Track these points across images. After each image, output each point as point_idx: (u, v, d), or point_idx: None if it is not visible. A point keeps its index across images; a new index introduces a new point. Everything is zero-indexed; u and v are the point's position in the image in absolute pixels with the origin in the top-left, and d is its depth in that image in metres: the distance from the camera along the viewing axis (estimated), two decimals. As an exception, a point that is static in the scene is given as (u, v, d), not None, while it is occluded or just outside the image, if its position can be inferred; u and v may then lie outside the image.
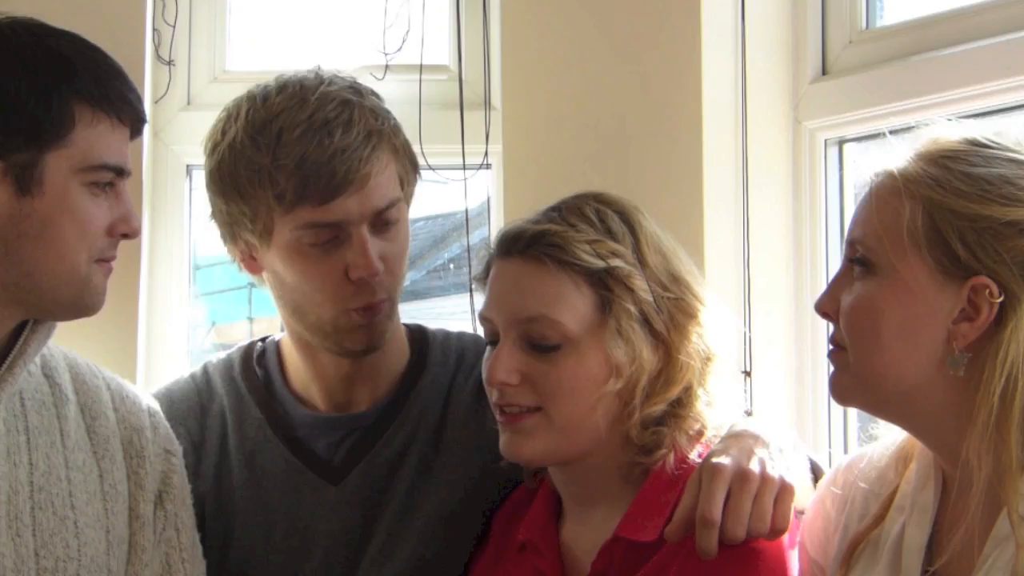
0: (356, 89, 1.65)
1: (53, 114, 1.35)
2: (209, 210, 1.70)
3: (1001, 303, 1.23)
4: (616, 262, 1.48)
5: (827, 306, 1.35)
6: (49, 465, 1.42)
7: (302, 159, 1.56)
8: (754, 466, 1.39)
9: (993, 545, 1.22)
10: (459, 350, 1.78)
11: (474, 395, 1.73)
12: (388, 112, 1.67)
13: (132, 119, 1.43)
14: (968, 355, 1.25)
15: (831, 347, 1.36)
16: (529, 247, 1.49)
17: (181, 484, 1.57)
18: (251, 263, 1.68)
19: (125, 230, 1.43)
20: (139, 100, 1.44)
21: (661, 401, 1.49)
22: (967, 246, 1.23)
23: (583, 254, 1.47)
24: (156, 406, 1.59)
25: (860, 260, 1.30)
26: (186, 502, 1.58)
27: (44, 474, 1.41)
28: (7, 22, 1.40)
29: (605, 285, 1.47)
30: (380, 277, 1.62)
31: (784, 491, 1.39)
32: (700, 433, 1.51)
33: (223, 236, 1.70)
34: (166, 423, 1.59)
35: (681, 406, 1.50)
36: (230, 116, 1.65)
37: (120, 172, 1.42)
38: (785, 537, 1.40)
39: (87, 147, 1.38)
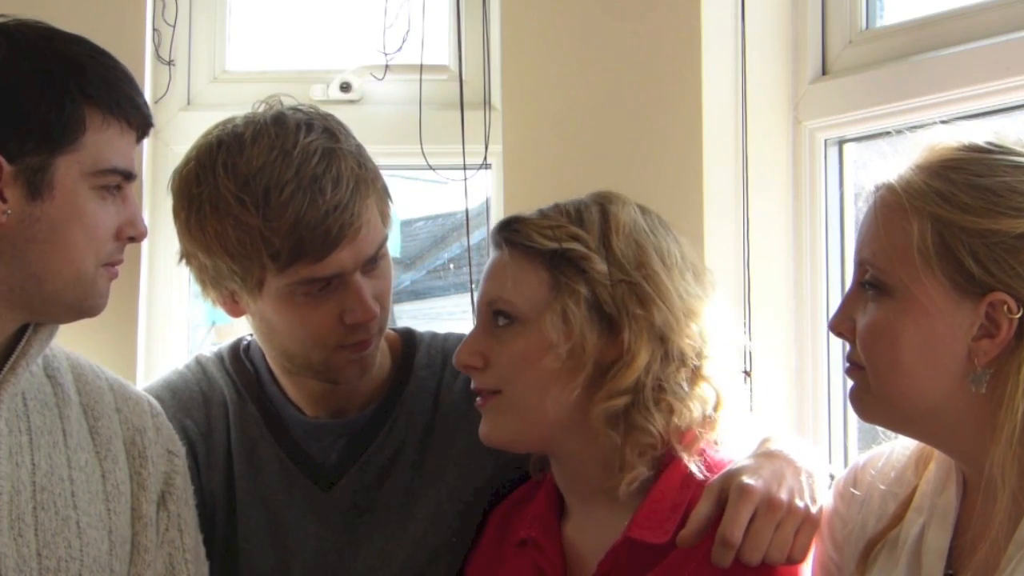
0: (331, 132, 1.60)
1: (65, 118, 1.35)
2: (182, 256, 1.65)
3: (1020, 318, 1.20)
4: (571, 244, 1.49)
5: (842, 326, 1.33)
6: (51, 465, 1.42)
7: (296, 220, 1.53)
8: (783, 494, 1.38)
9: (1017, 547, 1.21)
10: (444, 351, 1.77)
11: (464, 396, 1.72)
12: (361, 148, 1.63)
13: (140, 123, 1.43)
14: (990, 371, 1.22)
15: (848, 365, 1.34)
16: (498, 234, 1.55)
17: (184, 485, 1.57)
18: (233, 306, 1.65)
19: (132, 233, 1.43)
20: (147, 104, 1.44)
21: (617, 392, 1.47)
22: (980, 263, 1.20)
23: (537, 235, 1.50)
24: (158, 407, 1.59)
25: (872, 283, 1.28)
26: (189, 503, 1.57)
27: (46, 474, 1.41)
28: (15, 24, 1.39)
29: (559, 267, 1.49)
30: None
31: (807, 523, 1.39)
32: (694, 436, 1.50)
33: (201, 284, 1.65)
34: (168, 424, 1.59)
35: (652, 404, 1.47)
36: (202, 164, 1.58)
37: (128, 176, 1.42)
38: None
39: (97, 151, 1.37)
